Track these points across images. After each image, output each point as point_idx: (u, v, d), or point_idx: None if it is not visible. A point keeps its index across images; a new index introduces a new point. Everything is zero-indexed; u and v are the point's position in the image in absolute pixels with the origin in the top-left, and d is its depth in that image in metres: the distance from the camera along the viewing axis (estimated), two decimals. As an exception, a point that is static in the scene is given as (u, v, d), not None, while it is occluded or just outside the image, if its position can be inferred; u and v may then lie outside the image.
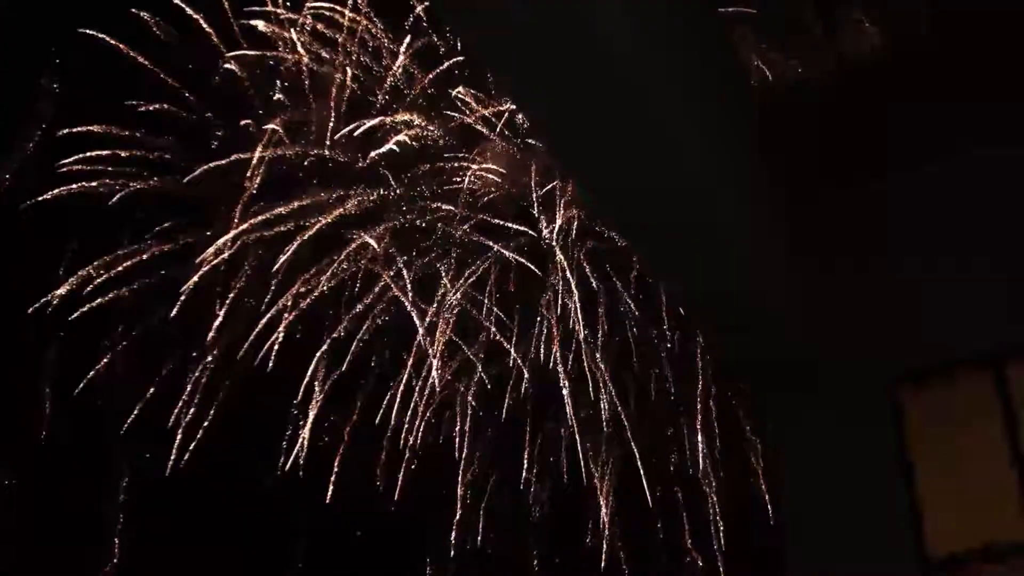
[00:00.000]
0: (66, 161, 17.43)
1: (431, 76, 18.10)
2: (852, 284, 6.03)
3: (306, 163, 18.31)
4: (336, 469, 18.57)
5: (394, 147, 18.28)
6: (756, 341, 6.04)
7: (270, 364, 18.19)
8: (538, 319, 19.00)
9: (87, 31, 16.91)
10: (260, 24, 17.50)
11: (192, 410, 18.19)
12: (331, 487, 18.48)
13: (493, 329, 19.22)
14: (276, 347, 18.26)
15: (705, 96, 5.73)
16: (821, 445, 5.75)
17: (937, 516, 5.38)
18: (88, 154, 17.49)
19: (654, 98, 4.93)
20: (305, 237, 18.34)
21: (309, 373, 18.65)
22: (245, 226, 17.92)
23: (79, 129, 17.37)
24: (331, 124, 18.22)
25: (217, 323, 18.17)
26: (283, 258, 18.25)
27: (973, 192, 5.91)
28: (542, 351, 18.78)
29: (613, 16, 4.48)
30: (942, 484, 5.45)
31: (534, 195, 18.12)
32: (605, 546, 19.16)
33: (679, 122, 5.20)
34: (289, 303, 18.37)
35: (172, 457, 18.02)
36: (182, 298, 17.65)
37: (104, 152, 17.64)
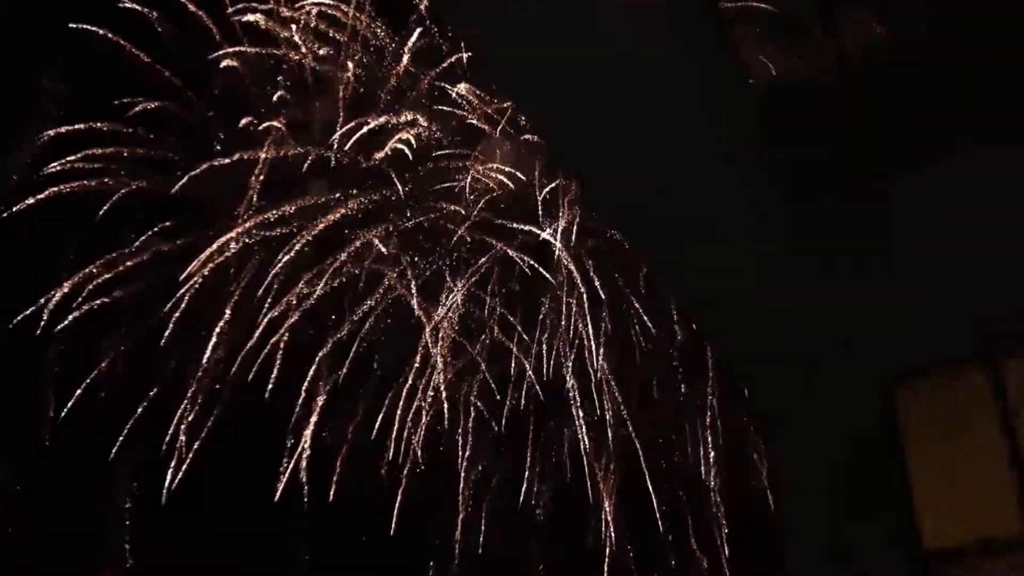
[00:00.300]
0: (70, 159, 17.42)
1: (434, 73, 18.08)
2: (851, 283, 6.02)
3: (308, 163, 18.28)
4: (338, 470, 18.56)
5: (397, 145, 18.27)
6: (756, 341, 6.03)
7: (277, 364, 18.19)
8: (540, 318, 18.98)
9: (86, 27, 16.89)
10: (260, 20, 17.47)
11: (194, 411, 18.18)
12: (333, 487, 18.47)
13: (497, 329, 19.21)
14: (281, 348, 18.26)
15: (705, 94, 5.70)
16: (820, 444, 5.74)
17: (936, 513, 5.38)
18: (88, 152, 17.49)
19: (654, 96, 4.89)
20: (308, 238, 18.33)
21: (311, 374, 18.65)
22: (247, 226, 17.90)
23: (79, 127, 17.35)
24: (337, 123, 18.23)
25: (221, 324, 18.16)
26: (285, 258, 18.24)
27: (972, 191, 5.88)
28: (545, 351, 18.76)
29: (613, 15, 4.45)
30: (940, 481, 5.45)
31: (539, 193, 18.10)
32: (609, 547, 19.14)
33: (679, 121, 5.17)
34: (294, 302, 18.37)
35: (173, 463, 18.00)
36: (186, 299, 17.64)
37: (105, 151, 17.63)
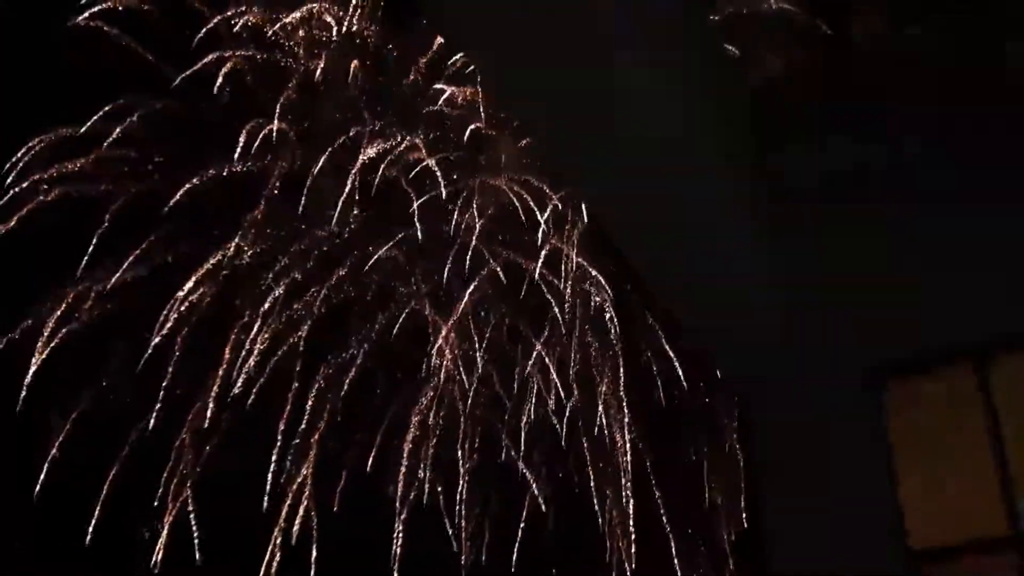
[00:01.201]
0: (81, 161, 17.42)
1: (444, 75, 18.06)
2: (839, 277, 5.94)
3: (314, 171, 18.25)
4: (343, 482, 18.49)
5: (405, 154, 18.25)
6: (739, 335, 5.96)
7: (297, 368, 18.18)
8: (548, 328, 18.90)
9: (89, 24, 16.90)
10: (263, 22, 17.48)
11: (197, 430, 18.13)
12: (337, 497, 18.41)
13: (504, 339, 19.16)
14: (299, 360, 18.26)
15: (703, 91, 5.64)
16: (804, 441, 5.64)
17: (925, 510, 5.31)
18: (90, 156, 17.49)
19: (651, 95, 4.80)
20: (315, 252, 18.34)
21: (318, 382, 18.62)
22: (250, 236, 17.90)
23: (80, 128, 17.37)
24: (343, 130, 18.23)
25: (233, 330, 18.15)
26: (293, 274, 18.25)
27: (964, 186, 5.79)
28: (551, 359, 18.68)
29: (606, 11, 4.37)
30: (928, 478, 5.38)
31: (547, 199, 18.05)
32: (614, 556, 19.03)
33: (676, 119, 5.08)
34: (303, 313, 18.36)
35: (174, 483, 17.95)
36: (185, 307, 17.61)
37: (109, 154, 17.64)
